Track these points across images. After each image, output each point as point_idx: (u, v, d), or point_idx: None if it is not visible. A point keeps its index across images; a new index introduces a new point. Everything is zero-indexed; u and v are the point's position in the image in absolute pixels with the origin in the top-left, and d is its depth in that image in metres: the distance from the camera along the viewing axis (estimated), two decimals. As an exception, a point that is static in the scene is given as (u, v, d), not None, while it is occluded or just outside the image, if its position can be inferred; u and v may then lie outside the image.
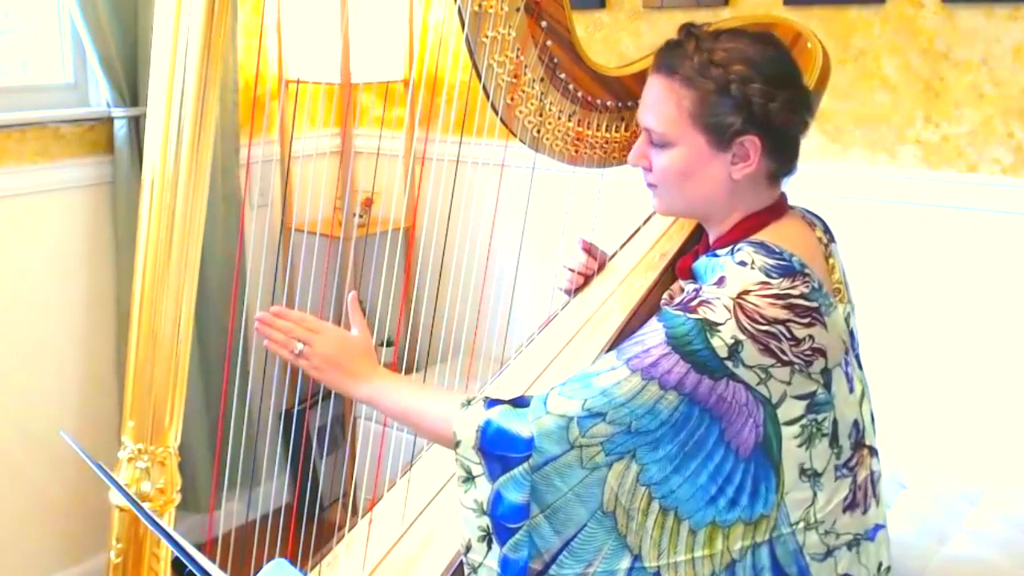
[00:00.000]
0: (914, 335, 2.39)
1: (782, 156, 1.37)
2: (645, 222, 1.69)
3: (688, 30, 1.36)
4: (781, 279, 1.25)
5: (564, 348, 1.57)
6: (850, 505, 1.32)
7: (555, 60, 1.45)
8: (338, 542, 1.63)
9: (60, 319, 2.56)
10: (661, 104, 1.34)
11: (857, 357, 1.40)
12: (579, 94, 1.48)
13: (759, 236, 1.34)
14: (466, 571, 1.33)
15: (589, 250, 1.70)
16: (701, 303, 1.24)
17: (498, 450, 1.27)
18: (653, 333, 1.25)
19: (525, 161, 1.64)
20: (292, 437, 3.12)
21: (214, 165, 2.64)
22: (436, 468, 1.70)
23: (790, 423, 1.25)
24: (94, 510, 2.22)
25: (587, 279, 1.69)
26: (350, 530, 1.63)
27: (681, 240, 1.58)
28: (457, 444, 1.30)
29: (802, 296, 1.25)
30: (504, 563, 1.28)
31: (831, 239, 1.45)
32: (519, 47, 1.41)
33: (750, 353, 1.22)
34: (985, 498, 2.15)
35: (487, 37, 1.39)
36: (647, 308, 1.51)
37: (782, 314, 1.23)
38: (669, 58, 1.35)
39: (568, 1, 1.46)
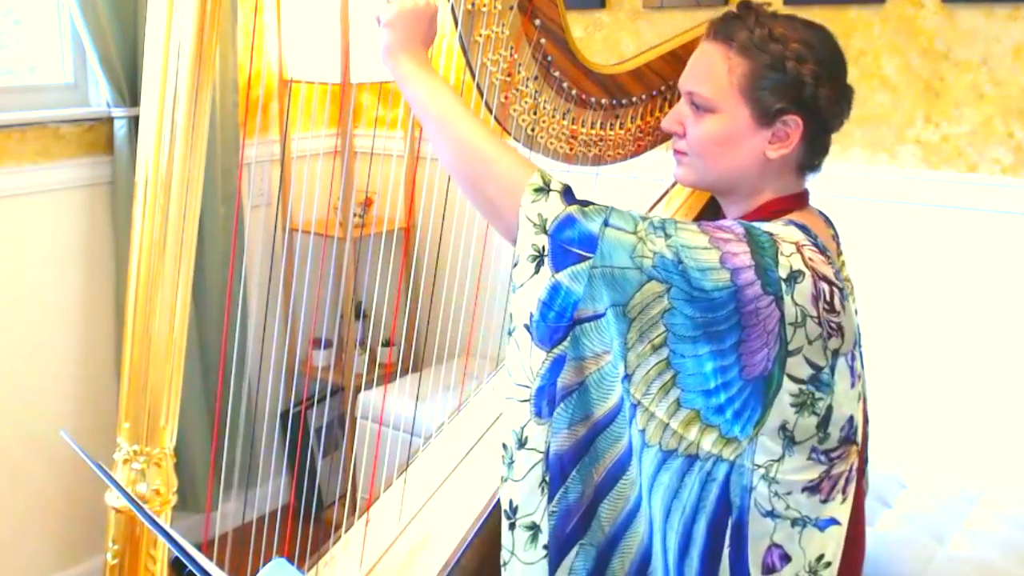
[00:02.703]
0: (914, 335, 2.39)
1: (816, 147, 1.38)
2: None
3: (747, 4, 1.36)
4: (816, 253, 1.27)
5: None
6: (811, 489, 1.32)
7: (549, 58, 1.44)
8: (335, 542, 1.63)
9: (59, 319, 2.56)
10: (713, 69, 1.33)
11: (861, 354, 1.41)
12: (573, 92, 1.48)
13: (786, 217, 1.35)
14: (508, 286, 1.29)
15: None
16: (770, 233, 1.25)
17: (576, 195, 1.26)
18: (728, 223, 1.25)
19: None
20: (290, 437, 3.12)
21: (215, 165, 2.64)
22: (433, 468, 1.70)
23: (793, 380, 1.26)
24: (93, 511, 2.22)
25: None
26: (347, 530, 1.63)
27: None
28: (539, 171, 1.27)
29: (834, 275, 1.27)
30: (554, 289, 1.24)
31: (839, 242, 1.47)
32: (512, 45, 1.41)
33: (803, 289, 1.22)
34: (985, 498, 2.15)
35: (480, 36, 1.39)
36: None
37: (830, 275, 1.25)
38: (727, 27, 1.34)
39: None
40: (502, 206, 1.27)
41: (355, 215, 2.98)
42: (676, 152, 1.41)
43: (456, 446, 1.70)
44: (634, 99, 1.53)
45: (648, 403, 1.27)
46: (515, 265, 1.27)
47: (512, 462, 1.30)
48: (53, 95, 2.53)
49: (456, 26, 1.37)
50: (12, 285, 2.45)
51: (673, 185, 1.69)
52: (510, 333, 1.28)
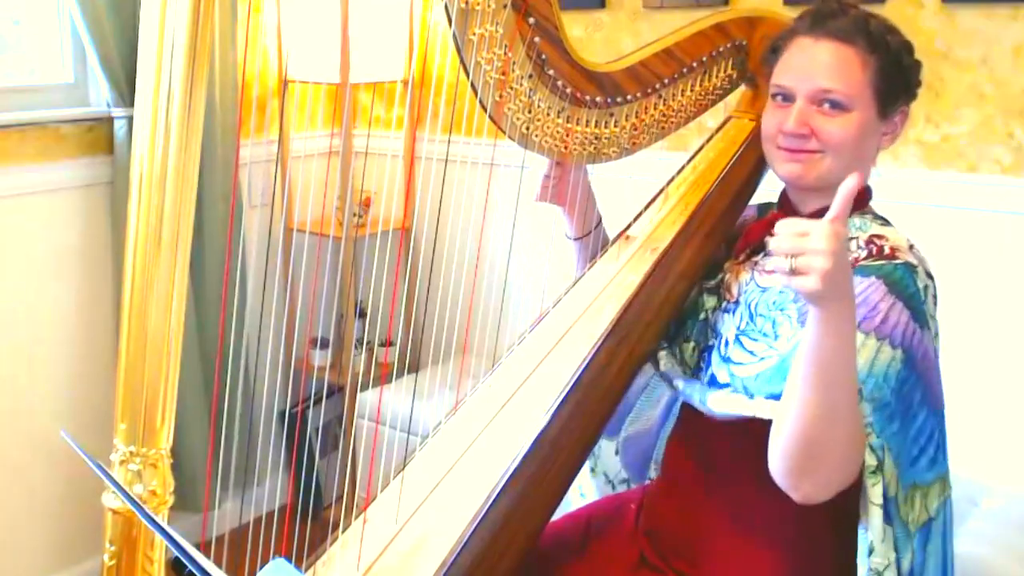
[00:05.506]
0: (914, 335, 2.38)
1: None
2: (636, 219, 1.68)
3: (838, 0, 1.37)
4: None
5: (556, 345, 1.57)
6: None
7: (543, 57, 1.44)
8: (333, 542, 1.63)
9: (59, 319, 2.56)
10: (847, 67, 1.32)
11: None
12: (568, 90, 1.47)
13: (867, 211, 1.39)
14: None
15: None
16: (892, 250, 1.26)
17: None
18: (871, 289, 1.23)
19: (515, 160, 1.64)
20: (289, 437, 3.12)
21: (214, 165, 2.64)
22: (430, 467, 1.69)
23: None
24: (91, 511, 2.22)
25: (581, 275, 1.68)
26: (345, 530, 1.63)
27: (672, 235, 1.58)
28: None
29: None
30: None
31: None
32: (507, 44, 1.40)
33: (931, 302, 1.25)
34: (985, 498, 2.14)
35: (474, 34, 1.38)
36: (640, 302, 1.51)
37: (933, 271, 1.28)
38: (837, 24, 1.34)
39: (556, -2, 1.45)
40: (819, 481, 1.23)
41: (354, 215, 2.98)
42: (800, 152, 1.36)
43: (454, 445, 1.69)
44: (629, 97, 1.53)
45: None
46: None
47: None
48: (53, 95, 2.54)
49: (450, 24, 1.37)
50: (12, 285, 2.45)
51: (669, 183, 1.68)
52: None
